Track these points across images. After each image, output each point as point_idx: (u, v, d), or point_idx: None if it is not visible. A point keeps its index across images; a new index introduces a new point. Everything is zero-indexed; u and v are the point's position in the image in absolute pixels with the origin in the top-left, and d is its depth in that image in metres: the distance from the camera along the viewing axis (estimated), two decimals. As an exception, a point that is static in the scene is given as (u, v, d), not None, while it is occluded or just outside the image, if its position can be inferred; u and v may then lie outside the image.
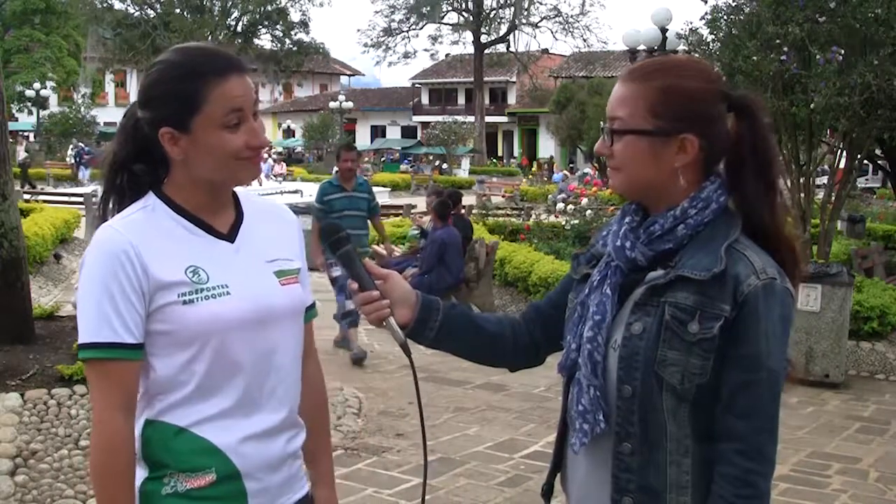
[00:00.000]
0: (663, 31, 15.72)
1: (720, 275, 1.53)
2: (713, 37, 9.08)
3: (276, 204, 1.93)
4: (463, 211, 11.59)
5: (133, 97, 1.79)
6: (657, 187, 1.63)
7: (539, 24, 51.92)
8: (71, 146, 36.54)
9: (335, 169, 9.51)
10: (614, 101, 1.64)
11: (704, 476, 1.56)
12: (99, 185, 1.76)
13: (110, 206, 1.73)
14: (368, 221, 8.10)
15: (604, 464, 1.62)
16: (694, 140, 1.60)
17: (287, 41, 49.76)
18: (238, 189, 1.80)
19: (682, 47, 10.98)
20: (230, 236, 1.74)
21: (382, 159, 48.84)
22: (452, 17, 52.95)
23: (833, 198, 9.32)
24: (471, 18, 51.34)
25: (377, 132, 60.01)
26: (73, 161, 33.81)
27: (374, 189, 8.59)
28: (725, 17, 8.93)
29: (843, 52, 8.02)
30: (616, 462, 1.59)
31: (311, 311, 1.87)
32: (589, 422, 1.61)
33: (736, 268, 1.54)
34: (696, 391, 1.55)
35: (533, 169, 44.49)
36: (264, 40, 50.50)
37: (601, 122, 1.69)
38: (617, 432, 1.59)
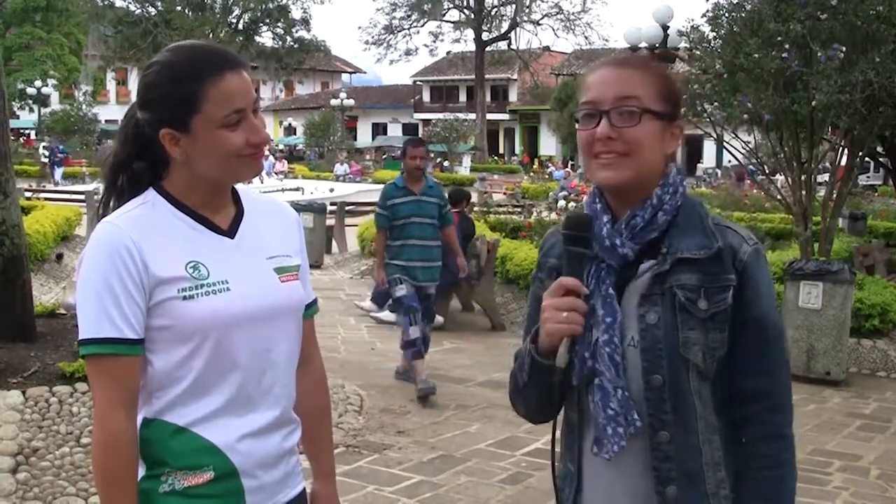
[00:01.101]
0: (665, 28, 15.72)
1: (718, 250, 1.61)
2: (714, 34, 9.04)
3: (276, 200, 1.92)
4: (466, 209, 11.55)
5: (134, 95, 1.77)
6: (652, 175, 1.65)
7: (540, 22, 51.92)
8: (43, 144, 35.52)
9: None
10: (626, 82, 1.63)
11: (730, 448, 1.62)
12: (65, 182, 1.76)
13: (111, 205, 1.73)
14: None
15: (628, 469, 1.62)
16: (681, 128, 1.69)
17: (288, 39, 49.74)
18: (238, 185, 1.79)
19: (683, 44, 10.95)
20: (230, 232, 1.73)
21: (384, 157, 48.81)
22: (454, 15, 53.00)
23: (834, 195, 9.29)
24: (472, 16, 51.30)
25: (378, 130, 59.98)
26: (45, 160, 32.85)
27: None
28: (727, 15, 8.89)
29: (844, 49, 8.00)
30: (655, 454, 1.60)
31: (311, 307, 1.87)
32: (622, 424, 1.59)
33: (728, 239, 1.63)
34: (717, 365, 1.60)
35: (534, 166, 44.46)
36: (265, 38, 50.60)
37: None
38: (650, 424, 1.60)
